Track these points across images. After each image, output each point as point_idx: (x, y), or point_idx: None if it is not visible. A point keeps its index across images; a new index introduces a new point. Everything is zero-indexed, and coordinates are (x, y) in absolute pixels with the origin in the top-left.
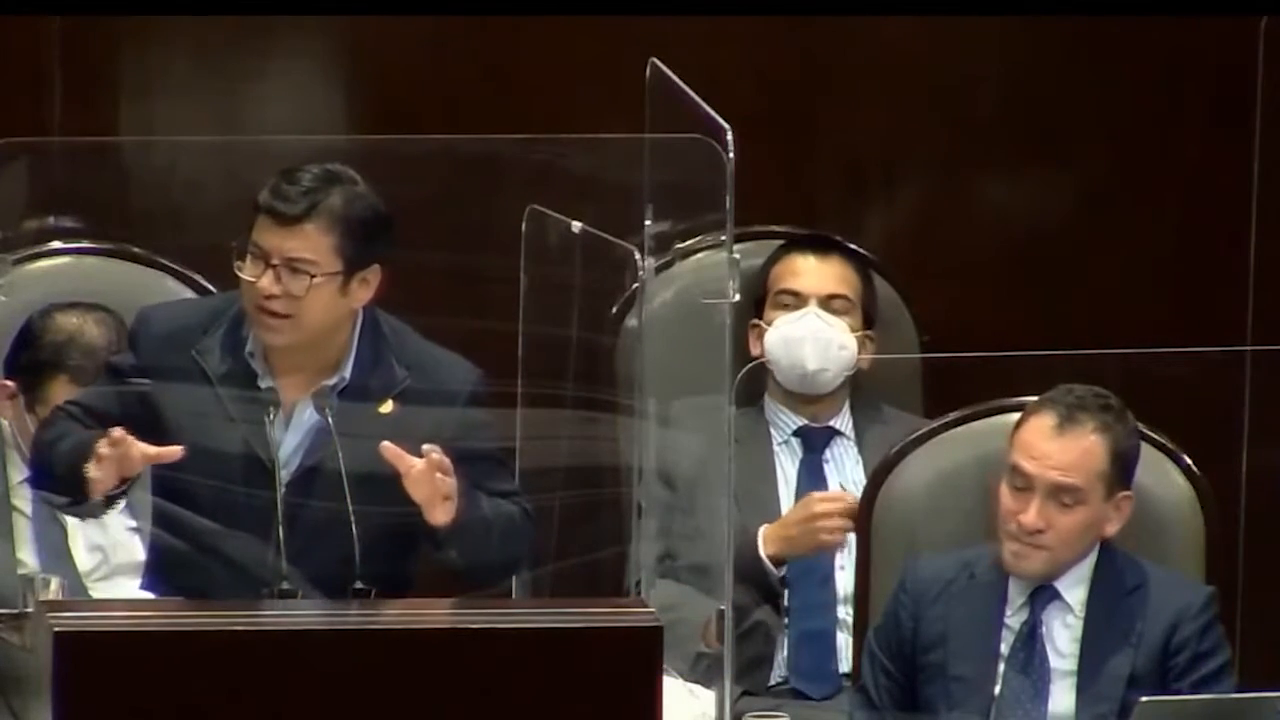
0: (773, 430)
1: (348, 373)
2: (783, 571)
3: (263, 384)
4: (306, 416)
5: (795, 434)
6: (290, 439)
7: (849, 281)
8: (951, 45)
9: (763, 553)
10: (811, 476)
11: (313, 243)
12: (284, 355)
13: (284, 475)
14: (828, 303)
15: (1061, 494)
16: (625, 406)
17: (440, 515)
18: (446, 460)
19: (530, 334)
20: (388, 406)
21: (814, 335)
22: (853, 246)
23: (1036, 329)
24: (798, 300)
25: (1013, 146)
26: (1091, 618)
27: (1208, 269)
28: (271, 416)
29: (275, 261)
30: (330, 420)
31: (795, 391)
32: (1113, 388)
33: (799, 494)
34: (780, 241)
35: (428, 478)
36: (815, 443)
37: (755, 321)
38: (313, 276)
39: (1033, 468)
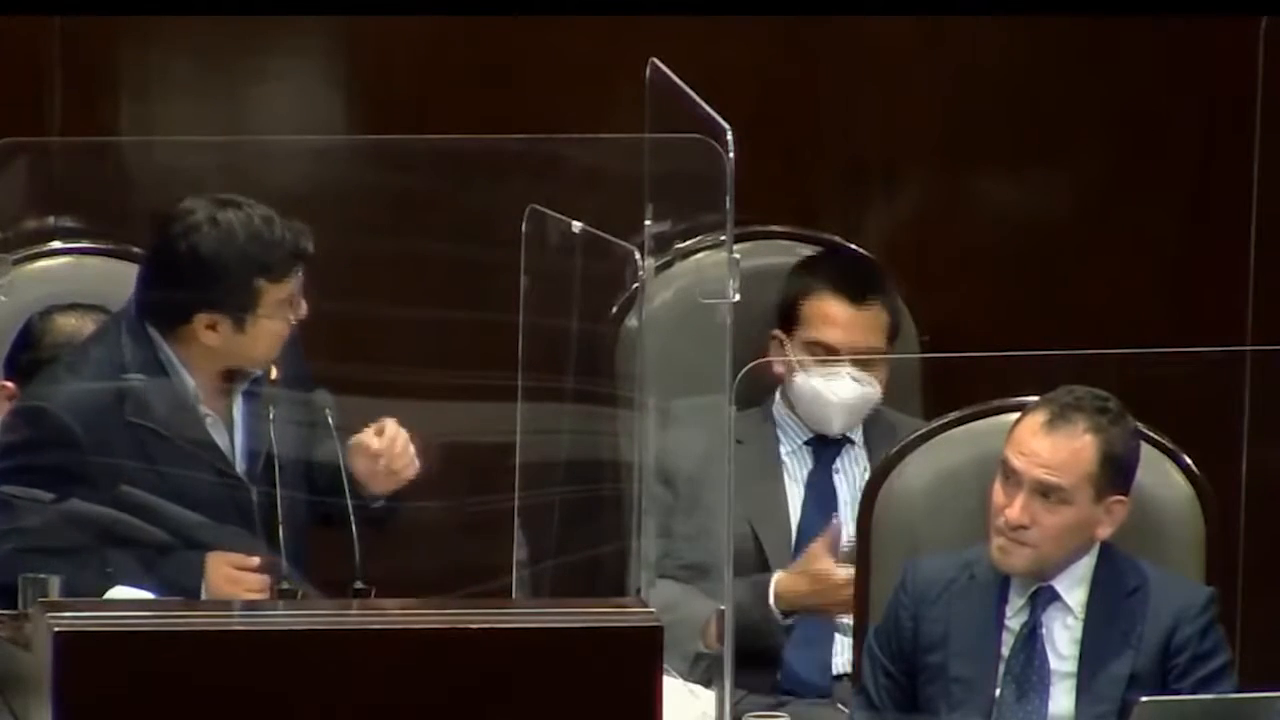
0: (780, 434)
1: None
2: (790, 621)
3: (204, 410)
4: (240, 415)
5: (806, 443)
6: (239, 440)
7: (883, 330)
8: (951, 45)
9: (773, 602)
10: (820, 487)
11: None
12: (215, 365)
13: (253, 472)
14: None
15: (1047, 492)
16: (625, 400)
17: (382, 485)
18: (396, 435)
19: (530, 330)
20: (274, 372)
21: (845, 403)
22: (882, 278)
23: (1036, 329)
24: (830, 352)
25: (1012, 146)
26: (1091, 619)
27: (1208, 269)
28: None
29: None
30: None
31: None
32: (1113, 388)
33: (806, 505)
34: (801, 251)
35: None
36: (825, 453)
37: (777, 334)
38: None
39: (1020, 463)
